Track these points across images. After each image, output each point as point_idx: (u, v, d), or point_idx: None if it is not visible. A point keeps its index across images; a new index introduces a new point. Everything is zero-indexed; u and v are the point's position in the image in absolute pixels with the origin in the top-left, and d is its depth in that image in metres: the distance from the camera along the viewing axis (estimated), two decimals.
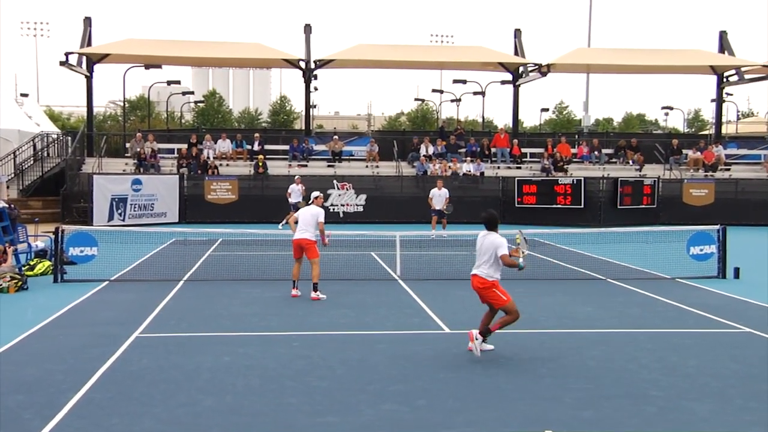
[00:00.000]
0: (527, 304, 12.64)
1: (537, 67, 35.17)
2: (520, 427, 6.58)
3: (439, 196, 24.05)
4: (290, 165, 31.92)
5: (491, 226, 9.37)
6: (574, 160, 33.83)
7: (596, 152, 33.92)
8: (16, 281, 13.69)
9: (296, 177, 26.93)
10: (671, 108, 60.26)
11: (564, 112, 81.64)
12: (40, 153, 31.62)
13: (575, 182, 29.08)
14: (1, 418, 6.71)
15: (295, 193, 25.95)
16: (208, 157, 31.15)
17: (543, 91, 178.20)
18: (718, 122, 39.82)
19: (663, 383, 8.00)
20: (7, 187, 28.40)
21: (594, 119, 73.79)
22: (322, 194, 13.66)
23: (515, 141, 34.33)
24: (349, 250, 19.23)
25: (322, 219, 12.89)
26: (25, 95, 43.52)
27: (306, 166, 31.98)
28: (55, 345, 9.54)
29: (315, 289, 12.77)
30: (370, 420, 6.77)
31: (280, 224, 25.12)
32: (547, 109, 68.80)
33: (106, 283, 14.52)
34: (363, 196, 29.68)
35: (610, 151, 34.83)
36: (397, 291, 13.97)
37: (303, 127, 40.55)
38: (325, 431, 6.50)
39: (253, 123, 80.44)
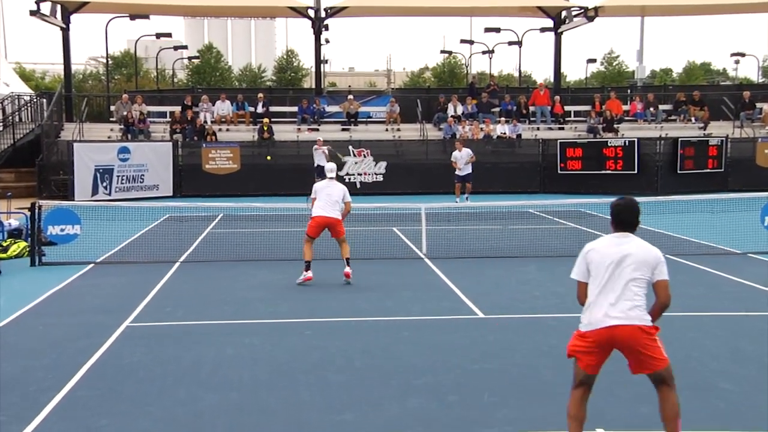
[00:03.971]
0: (571, 286, 12.54)
1: (582, 10, 34.77)
2: (568, 425, 6.52)
3: (461, 158, 24.88)
4: (299, 129, 31.91)
5: (629, 225, 6.03)
6: (626, 118, 33.54)
7: (652, 109, 33.56)
8: None
9: (318, 139, 27.28)
10: (743, 54, 59.32)
11: (614, 63, 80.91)
12: (10, 118, 31.68)
13: (627, 144, 28.80)
14: None
15: (318, 157, 25.98)
16: (206, 122, 31.17)
17: (589, 40, 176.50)
18: None
19: (735, 374, 7.91)
20: None
21: (650, 70, 73.11)
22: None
23: (557, 98, 34.04)
24: (368, 226, 19.19)
25: (349, 198, 13.06)
26: None
27: (317, 130, 31.94)
28: (33, 337, 9.62)
29: (349, 264, 12.84)
30: (394, 417, 6.76)
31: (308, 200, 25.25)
32: (595, 60, 68.15)
33: (91, 265, 14.61)
34: (383, 164, 29.61)
35: (668, 107, 34.46)
36: (423, 271, 13.95)
37: (313, 86, 40.46)
38: (343, 430, 6.50)
39: (256, 82, 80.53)
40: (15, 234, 17.02)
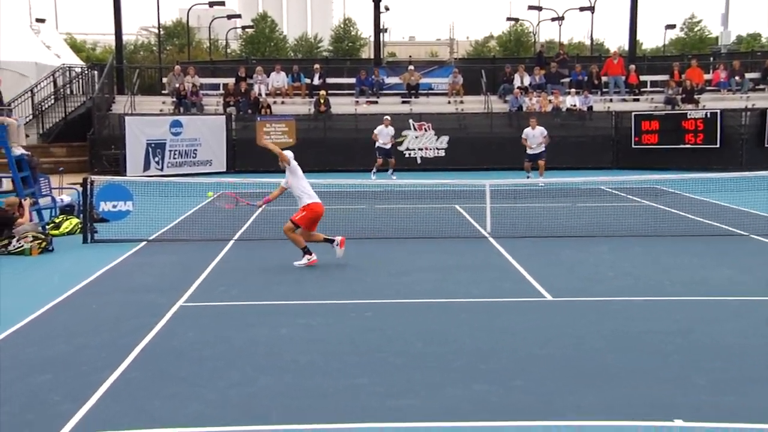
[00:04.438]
0: (646, 267, 12.42)
1: None
2: (642, 415, 6.47)
3: (534, 137, 24.29)
4: (357, 101, 31.94)
5: None
6: (708, 88, 32.83)
7: (737, 77, 32.79)
8: (39, 242, 14.14)
9: (385, 117, 26.95)
10: None
11: (695, 29, 79.24)
12: (62, 90, 32.33)
13: (709, 116, 28.24)
14: (26, 400, 6.92)
15: (383, 135, 26.02)
16: (260, 94, 31.41)
17: (668, 3, 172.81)
18: None
19: None
20: (27, 136, 29.27)
21: (735, 36, 71.26)
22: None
23: (632, 67, 33.49)
24: (429, 203, 19.19)
25: None
26: (41, 21, 44.15)
27: (376, 102, 31.96)
28: (86, 316, 9.84)
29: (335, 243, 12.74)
30: (455, 403, 6.77)
31: (372, 174, 25.26)
32: (674, 26, 66.83)
33: (144, 243, 14.88)
34: (445, 138, 29.51)
35: (756, 75, 33.64)
36: (486, 251, 13.90)
37: (372, 56, 40.46)
38: (402, 416, 6.52)
39: (312, 52, 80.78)
40: (67, 210, 17.36)
